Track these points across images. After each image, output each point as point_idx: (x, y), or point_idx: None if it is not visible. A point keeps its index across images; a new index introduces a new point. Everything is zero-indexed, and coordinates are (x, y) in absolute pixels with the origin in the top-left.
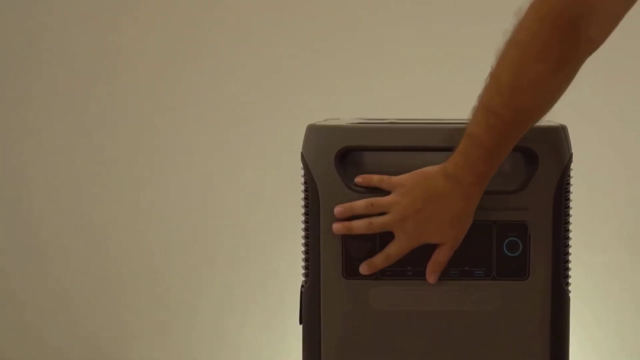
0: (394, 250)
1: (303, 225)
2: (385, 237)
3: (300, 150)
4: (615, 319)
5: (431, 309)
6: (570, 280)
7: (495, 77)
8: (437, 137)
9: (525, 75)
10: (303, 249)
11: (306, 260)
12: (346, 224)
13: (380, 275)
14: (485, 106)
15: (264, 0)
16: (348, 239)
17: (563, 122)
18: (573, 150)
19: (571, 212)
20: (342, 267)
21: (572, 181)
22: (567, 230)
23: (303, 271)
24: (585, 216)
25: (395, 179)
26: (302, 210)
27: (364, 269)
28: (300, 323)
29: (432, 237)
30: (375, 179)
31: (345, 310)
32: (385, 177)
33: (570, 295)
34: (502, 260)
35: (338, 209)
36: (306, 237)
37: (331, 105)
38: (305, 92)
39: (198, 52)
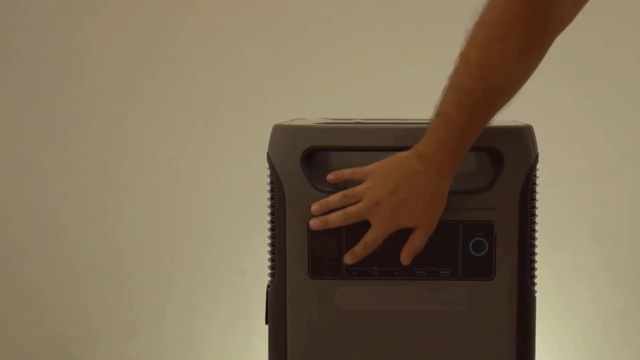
0: (370, 237)
1: (269, 225)
2: (351, 236)
3: (267, 150)
4: (580, 318)
5: (397, 309)
6: (536, 280)
7: (465, 57)
8: (402, 137)
9: (494, 54)
10: (269, 249)
11: (272, 260)
12: (322, 218)
13: (346, 275)
14: (455, 85)
15: (231, 0)
16: (314, 239)
17: (529, 122)
18: (539, 150)
19: (537, 212)
20: (308, 267)
21: (538, 181)
22: (533, 230)
23: (269, 271)
24: (551, 216)
25: (367, 167)
26: (268, 210)
27: (347, 259)
28: (266, 323)
29: (406, 220)
30: (346, 172)
31: (311, 310)
32: (356, 169)
33: (536, 295)
34: (468, 260)
35: (314, 207)
36: (272, 237)
37: (297, 105)
38: (271, 92)
39: (165, 53)
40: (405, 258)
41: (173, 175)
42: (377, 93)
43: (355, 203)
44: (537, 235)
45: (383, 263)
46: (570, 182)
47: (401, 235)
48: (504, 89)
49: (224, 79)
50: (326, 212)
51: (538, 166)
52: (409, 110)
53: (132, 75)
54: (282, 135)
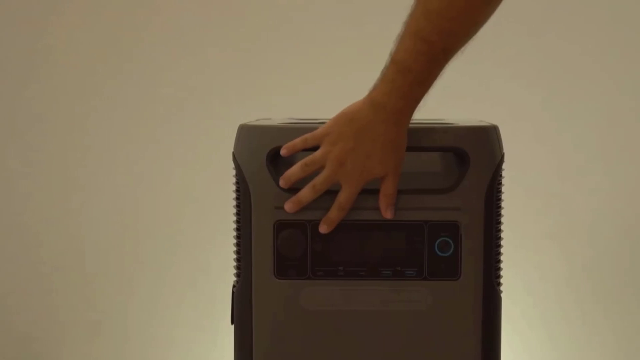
0: (343, 197)
1: (234, 225)
2: (316, 235)
3: (232, 150)
4: (545, 318)
5: (362, 309)
6: (501, 280)
7: (422, 2)
8: None
9: (458, 5)
10: (235, 248)
11: (238, 260)
12: (294, 199)
13: (312, 275)
14: (412, 32)
15: (193, 0)
16: (279, 239)
17: (495, 122)
18: (505, 150)
19: (503, 212)
20: (273, 267)
21: (503, 181)
22: (499, 230)
23: (235, 271)
24: (517, 216)
25: (319, 130)
26: (234, 210)
27: (323, 228)
28: (232, 323)
29: (374, 170)
30: (298, 142)
31: (276, 310)
32: (307, 135)
33: (502, 295)
34: (434, 260)
35: (281, 183)
36: (238, 237)
37: (263, 105)
38: (236, 92)
39: (129, 53)
40: (385, 209)
41: (137, 175)
42: (342, 93)
43: (318, 169)
44: (502, 235)
45: (348, 263)
46: (535, 182)
47: (369, 236)
48: (465, 36)
49: (189, 79)
50: (293, 189)
51: (504, 166)
52: None
53: (95, 75)
54: (248, 135)
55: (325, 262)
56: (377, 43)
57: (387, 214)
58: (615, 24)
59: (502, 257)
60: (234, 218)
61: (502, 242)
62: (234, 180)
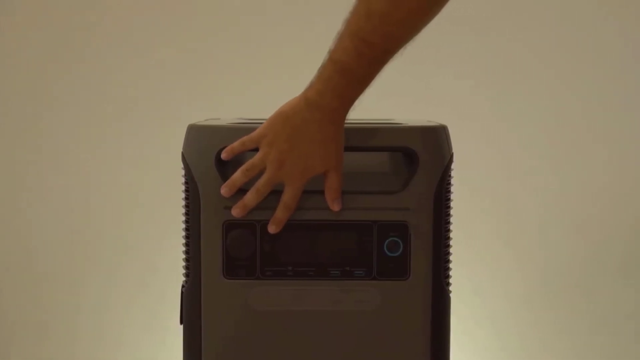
0: (287, 197)
1: (184, 225)
2: (265, 235)
3: (181, 150)
4: (494, 318)
5: (312, 309)
6: (450, 280)
7: (365, 3)
8: None
9: (404, 6)
10: (184, 249)
11: (187, 260)
12: (239, 204)
13: (261, 275)
14: (353, 33)
15: (144, 1)
16: (228, 239)
17: (443, 122)
18: (454, 150)
19: (452, 212)
20: (222, 267)
21: (452, 181)
22: (448, 230)
23: (184, 271)
24: (466, 216)
25: (255, 132)
26: (183, 210)
27: (272, 228)
28: (181, 323)
29: (315, 167)
30: (237, 145)
31: (225, 310)
32: (244, 138)
33: (451, 294)
34: (383, 260)
35: (223, 191)
36: (187, 237)
37: (212, 106)
38: (186, 93)
39: (79, 53)
40: (333, 203)
41: (87, 176)
42: (292, 92)
43: (259, 172)
44: (451, 235)
45: (298, 263)
46: (484, 182)
47: (318, 236)
48: (407, 38)
49: (138, 79)
50: (236, 194)
51: (453, 166)
52: None
53: (45, 76)
54: (197, 136)
55: (275, 262)
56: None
57: (335, 207)
58: (562, 23)
59: (451, 257)
60: (183, 218)
61: (451, 242)
62: (183, 180)
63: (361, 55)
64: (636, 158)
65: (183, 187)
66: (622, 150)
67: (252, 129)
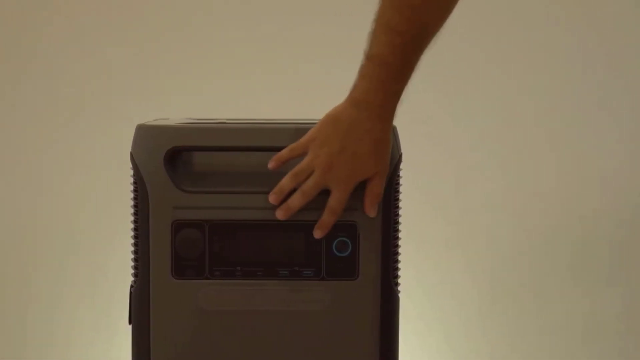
0: (334, 201)
1: (132, 226)
2: (214, 235)
3: (130, 150)
4: (443, 318)
5: (260, 309)
6: (399, 281)
7: None
8: (265, 137)
9: None
10: (132, 249)
11: (135, 260)
12: (284, 206)
13: (210, 275)
14: (385, 26)
15: (92, 0)
16: (177, 240)
17: (393, 123)
18: (402, 150)
19: (400, 212)
20: (171, 267)
21: (401, 181)
22: (397, 231)
23: (132, 271)
24: (414, 217)
25: (303, 138)
26: (132, 211)
27: (317, 233)
28: (130, 323)
29: (364, 171)
30: (284, 153)
31: (174, 311)
32: (293, 145)
33: (399, 295)
34: (332, 261)
35: (272, 198)
36: (135, 237)
37: (160, 106)
38: (134, 92)
39: (26, 53)
40: (370, 208)
41: (36, 176)
42: (241, 93)
43: (308, 176)
44: (400, 235)
45: (246, 263)
46: (432, 182)
47: (267, 236)
48: (436, 26)
49: (86, 79)
50: (284, 199)
51: (401, 166)
52: (274, 110)
53: None
54: (146, 136)
55: (223, 262)
56: (273, 44)
57: (372, 212)
58: (511, 23)
59: (400, 258)
60: (132, 218)
61: (400, 243)
62: (132, 180)
63: (395, 46)
64: (583, 158)
65: (132, 187)
66: (570, 151)
67: (201, 129)
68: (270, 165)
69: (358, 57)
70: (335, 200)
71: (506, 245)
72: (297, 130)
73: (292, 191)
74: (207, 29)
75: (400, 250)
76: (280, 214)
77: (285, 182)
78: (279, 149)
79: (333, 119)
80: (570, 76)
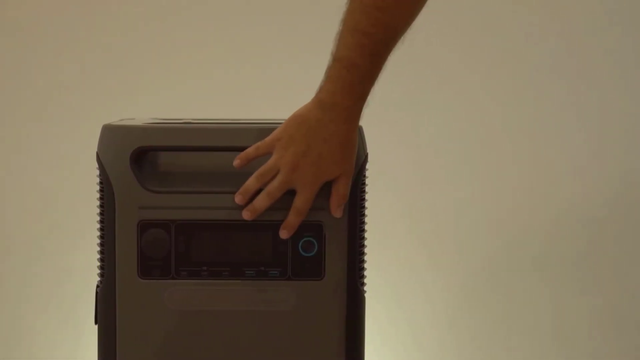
0: (299, 202)
1: (99, 226)
2: (180, 235)
3: (96, 150)
4: (410, 318)
5: (227, 309)
6: (365, 281)
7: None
8: (231, 137)
9: None
10: (99, 249)
11: (102, 260)
12: (250, 207)
13: (176, 275)
14: (352, 28)
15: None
16: (143, 239)
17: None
18: (368, 150)
19: (367, 212)
20: (137, 267)
21: (367, 181)
22: (363, 230)
23: (98, 271)
24: (381, 216)
25: (269, 137)
26: (98, 211)
27: (283, 233)
28: (96, 323)
29: (329, 172)
30: (250, 151)
31: (140, 310)
32: (259, 143)
33: (366, 295)
34: (298, 261)
35: (237, 198)
36: (102, 237)
37: (126, 106)
38: (100, 92)
39: None
40: (336, 209)
41: (1, 175)
42: (208, 93)
43: (273, 177)
44: (366, 235)
45: (212, 263)
46: (398, 182)
47: (233, 236)
48: (401, 26)
49: (53, 78)
50: (250, 199)
51: (367, 166)
52: (240, 109)
53: None
54: (111, 136)
55: (189, 262)
56: (240, 44)
57: (337, 213)
58: (476, 23)
59: (366, 258)
60: (98, 218)
61: (367, 243)
62: (98, 180)
63: (364, 48)
64: (548, 156)
65: (98, 187)
66: (535, 150)
67: (167, 129)
68: (236, 163)
69: (320, 56)
70: (301, 201)
71: (474, 245)
72: (263, 131)
73: (258, 191)
74: (173, 29)
75: (366, 250)
76: (246, 215)
77: (251, 182)
78: (244, 149)
79: (299, 119)
80: (536, 73)
